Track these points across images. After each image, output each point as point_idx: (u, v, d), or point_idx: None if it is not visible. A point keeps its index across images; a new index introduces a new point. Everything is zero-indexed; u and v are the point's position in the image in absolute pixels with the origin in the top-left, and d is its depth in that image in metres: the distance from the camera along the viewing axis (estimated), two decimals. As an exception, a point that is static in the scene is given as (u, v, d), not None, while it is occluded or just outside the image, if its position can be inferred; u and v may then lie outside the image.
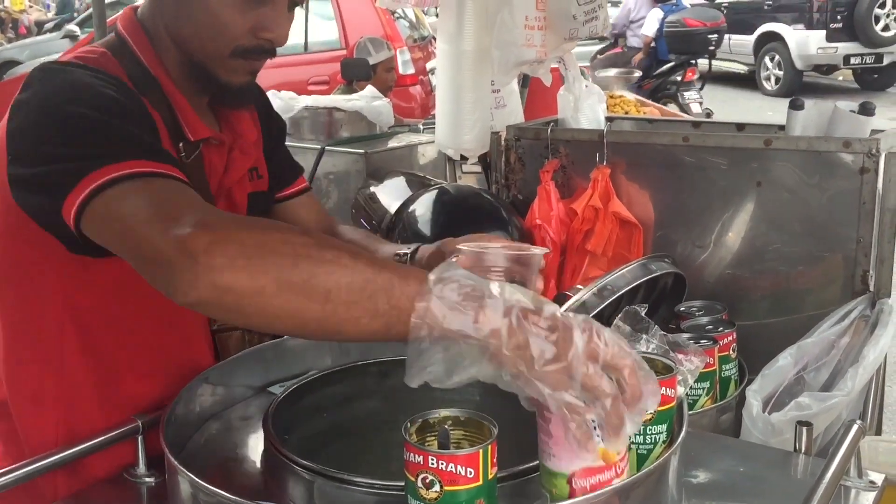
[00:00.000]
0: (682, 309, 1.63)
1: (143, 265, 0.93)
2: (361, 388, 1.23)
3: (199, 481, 0.90)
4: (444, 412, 0.92)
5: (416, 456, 0.84)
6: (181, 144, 1.19)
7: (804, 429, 1.13)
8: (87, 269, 1.13)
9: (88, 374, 1.19)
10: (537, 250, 1.07)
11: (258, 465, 1.10)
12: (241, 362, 1.28)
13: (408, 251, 1.31)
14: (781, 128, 1.95)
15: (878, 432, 1.87)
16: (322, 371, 1.23)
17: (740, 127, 2.05)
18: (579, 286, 1.69)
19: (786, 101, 1.98)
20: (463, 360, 0.81)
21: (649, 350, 1.06)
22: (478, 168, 2.47)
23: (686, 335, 1.41)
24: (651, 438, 0.98)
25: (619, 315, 1.13)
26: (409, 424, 0.89)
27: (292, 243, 0.86)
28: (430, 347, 0.81)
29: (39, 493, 1.14)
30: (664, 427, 0.98)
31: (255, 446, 1.15)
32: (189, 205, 0.94)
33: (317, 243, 0.87)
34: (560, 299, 1.68)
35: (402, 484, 0.88)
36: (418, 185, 2.29)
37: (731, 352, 1.49)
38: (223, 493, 0.88)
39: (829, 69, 11.29)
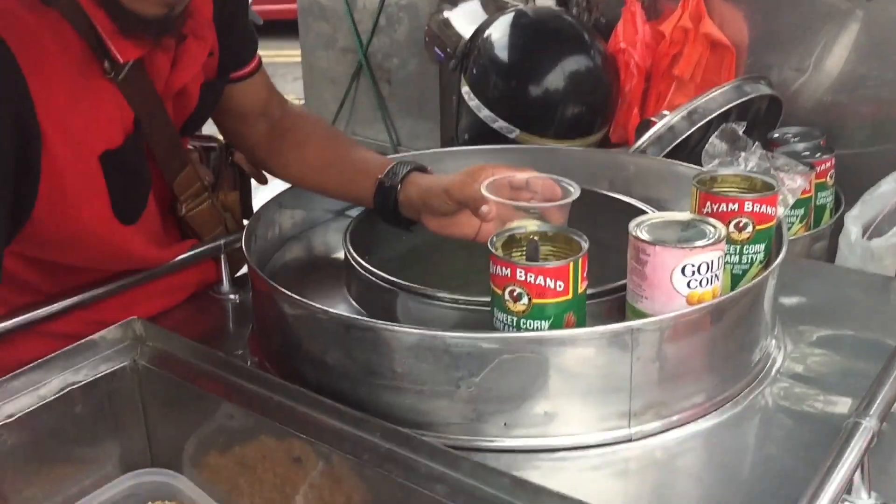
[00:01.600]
0: (776, 136, 1.54)
1: None
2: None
3: (285, 291, 0.89)
4: (530, 227, 0.89)
5: (504, 269, 0.82)
6: (106, 64, 0.95)
7: (908, 254, 1.07)
8: None
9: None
10: (570, 189, 0.96)
11: (339, 282, 1.10)
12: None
13: (395, 182, 1.07)
14: (896, -62, 1.77)
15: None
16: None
17: (849, -62, 1.87)
18: (665, 112, 1.61)
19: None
20: None
21: (748, 169, 1.00)
22: (555, -8, 2.33)
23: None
24: (748, 258, 0.93)
25: (716, 133, 1.06)
26: (494, 239, 0.87)
27: None
28: None
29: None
30: (762, 247, 0.94)
31: (335, 265, 1.15)
32: None
33: None
34: (645, 125, 1.61)
35: (487, 300, 0.86)
36: (494, 8, 2.17)
37: (828, 179, 1.41)
38: (308, 302, 0.87)
39: None
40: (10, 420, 0.84)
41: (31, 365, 0.88)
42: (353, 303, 1.05)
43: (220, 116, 1.21)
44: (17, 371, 0.86)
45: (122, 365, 0.93)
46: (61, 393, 0.88)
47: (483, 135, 1.81)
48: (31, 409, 0.86)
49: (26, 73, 0.87)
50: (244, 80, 1.19)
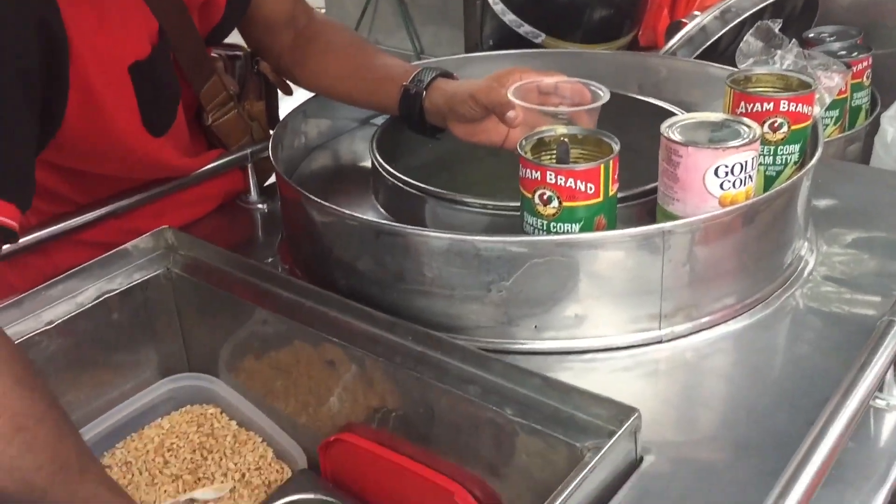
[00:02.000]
0: (811, 35, 1.49)
1: None
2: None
3: (314, 198, 0.89)
4: (560, 129, 0.88)
5: (534, 172, 0.81)
6: None
7: (946, 155, 1.05)
8: None
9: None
10: (600, 93, 0.93)
11: (367, 190, 1.10)
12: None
13: (420, 88, 1.04)
14: None
15: None
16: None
17: None
18: (696, 12, 1.56)
19: None
20: None
21: (784, 67, 0.97)
22: None
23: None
24: (782, 159, 0.92)
25: (750, 30, 1.03)
26: (524, 142, 0.86)
27: None
28: None
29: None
30: (797, 147, 0.92)
31: (362, 173, 1.15)
32: None
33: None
34: (675, 27, 1.56)
35: (517, 204, 0.86)
36: None
37: (864, 79, 1.37)
38: (337, 208, 0.87)
39: None
40: (50, 327, 0.86)
41: (68, 273, 0.89)
42: (382, 210, 1.05)
43: (247, 26, 1.19)
44: (55, 279, 0.88)
45: (155, 273, 0.95)
46: (98, 300, 0.90)
47: (508, 40, 1.77)
48: (69, 316, 0.88)
49: None
50: None
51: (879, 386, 0.70)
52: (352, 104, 1.20)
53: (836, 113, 1.32)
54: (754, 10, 1.42)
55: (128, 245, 0.94)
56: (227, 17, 1.11)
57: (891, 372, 0.71)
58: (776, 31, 1.02)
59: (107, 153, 0.99)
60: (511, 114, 0.94)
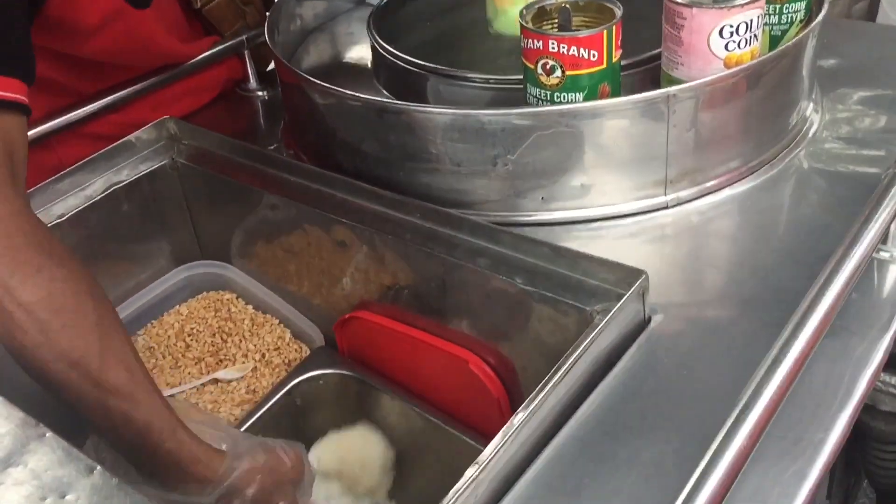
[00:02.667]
0: None
1: None
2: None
3: (315, 81, 0.89)
4: (561, -2, 0.86)
5: (535, 41, 0.80)
6: None
7: (955, 7, 1.02)
8: None
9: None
10: None
11: (367, 72, 1.08)
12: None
13: None
14: None
15: None
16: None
17: None
18: None
19: None
20: None
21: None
22: None
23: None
24: (787, 18, 0.90)
25: None
26: (524, 11, 0.84)
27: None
28: None
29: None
30: (802, 5, 0.90)
31: (361, 55, 1.13)
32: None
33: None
34: None
35: (520, 77, 0.85)
36: None
37: (872, -67, 1.33)
38: (339, 89, 0.87)
39: None
40: (62, 220, 0.87)
41: (74, 167, 0.90)
42: (383, 90, 1.04)
43: None
44: (62, 173, 0.88)
45: (161, 164, 0.95)
46: (106, 192, 0.91)
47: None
48: (79, 209, 0.89)
49: None
50: None
51: (883, 238, 0.71)
52: None
53: (842, -30, 1.28)
54: None
55: (131, 137, 0.94)
56: None
57: (894, 224, 0.72)
58: None
59: (91, 27, 0.95)
60: None
